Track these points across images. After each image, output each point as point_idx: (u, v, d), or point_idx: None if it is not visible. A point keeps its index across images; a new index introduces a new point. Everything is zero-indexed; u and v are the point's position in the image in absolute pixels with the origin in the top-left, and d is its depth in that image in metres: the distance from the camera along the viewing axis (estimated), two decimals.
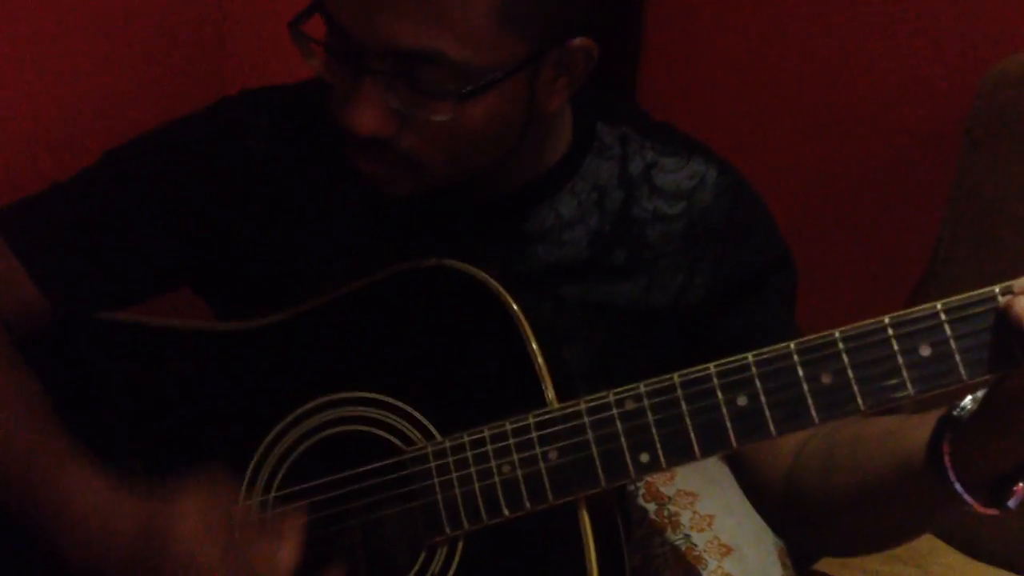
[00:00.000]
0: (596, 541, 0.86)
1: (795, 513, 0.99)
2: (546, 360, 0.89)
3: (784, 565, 1.40)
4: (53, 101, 1.25)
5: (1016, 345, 0.74)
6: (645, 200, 1.01)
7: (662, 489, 1.52)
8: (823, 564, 1.31)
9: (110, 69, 1.30)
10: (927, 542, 1.32)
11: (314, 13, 0.88)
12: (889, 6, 1.61)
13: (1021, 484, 0.79)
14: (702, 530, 1.48)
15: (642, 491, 1.52)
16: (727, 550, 1.46)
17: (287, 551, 0.88)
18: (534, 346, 0.89)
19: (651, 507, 1.51)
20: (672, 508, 1.50)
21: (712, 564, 1.44)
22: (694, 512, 1.49)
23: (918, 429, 0.83)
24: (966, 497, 0.79)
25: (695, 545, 1.46)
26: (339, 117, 0.89)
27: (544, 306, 0.98)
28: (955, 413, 0.80)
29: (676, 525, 1.48)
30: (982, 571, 1.29)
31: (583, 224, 1.00)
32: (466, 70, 0.85)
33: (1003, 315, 0.74)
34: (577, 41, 0.90)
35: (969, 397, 0.80)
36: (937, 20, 1.57)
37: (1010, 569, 1.29)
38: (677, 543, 1.46)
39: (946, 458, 0.79)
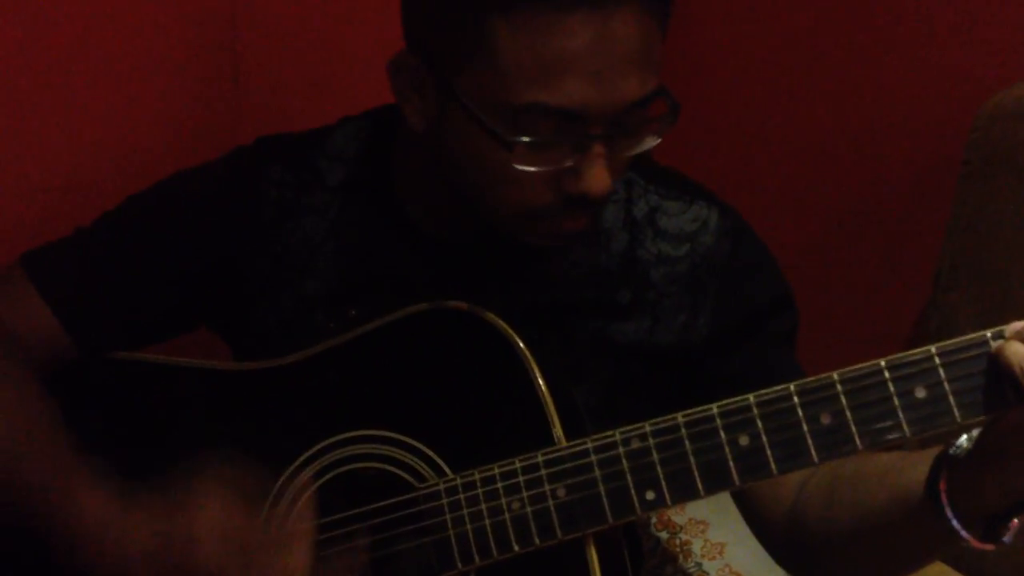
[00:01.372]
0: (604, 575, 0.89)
1: (798, 547, 1.02)
2: (554, 399, 0.91)
3: None
4: (72, 146, 1.28)
5: (1008, 388, 0.77)
6: (649, 243, 1.04)
7: (674, 518, 1.55)
8: None
9: (127, 114, 1.33)
10: (935, 567, 1.33)
11: (535, 114, 0.88)
12: (887, 40, 1.64)
13: (1015, 520, 0.81)
14: (713, 558, 1.50)
15: (654, 520, 1.55)
16: None
17: (299, 562, 0.89)
18: (542, 385, 0.91)
19: (663, 535, 1.53)
20: (684, 536, 1.53)
21: None
22: (705, 540, 1.52)
23: (917, 467, 0.85)
24: (963, 533, 0.81)
25: (707, 573, 1.48)
26: (563, 190, 0.91)
27: (552, 345, 1.01)
28: (952, 452, 0.82)
29: (688, 554, 1.51)
30: None
31: (589, 265, 1.03)
32: (662, 89, 0.91)
33: (995, 359, 0.77)
34: None
35: (965, 436, 0.82)
36: (934, 54, 1.60)
37: None
38: (690, 570, 1.48)
39: (943, 495, 0.82)
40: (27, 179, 1.24)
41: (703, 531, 1.51)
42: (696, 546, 1.50)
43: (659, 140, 0.92)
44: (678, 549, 1.50)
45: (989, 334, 0.79)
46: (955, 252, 1.37)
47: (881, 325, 1.59)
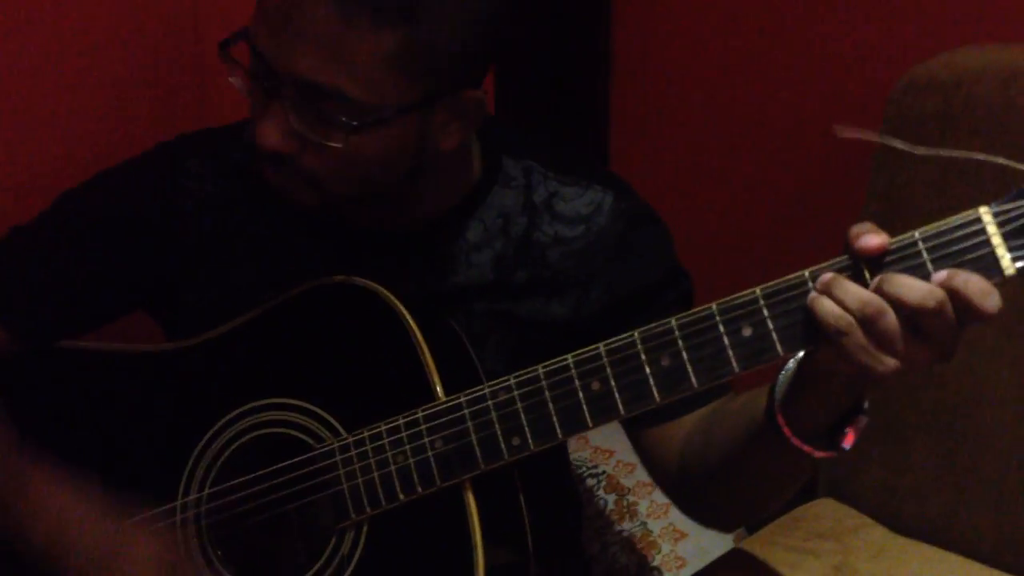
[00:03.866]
0: (482, 519, 0.97)
1: (687, 489, 1.10)
2: (436, 361, 0.99)
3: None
4: (29, 147, 1.34)
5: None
6: (546, 225, 1.11)
7: (623, 481, 1.61)
8: (748, 543, 1.38)
9: (88, 116, 1.38)
10: (852, 519, 1.40)
11: (240, 39, 0.98)
12: (810, 15, 1.70)
13: (849, 430, 0.89)
14: (658, 518, 1.56)
15: (603, 483, 1.61)
16: (681, 535, 1.55)
17: None
18: (424, 349, 0.99)
19: (611, 498, 1.59)
20: (631, 498, 1.59)
21: (665, 548, 1.52)
22: (651, 501, 1.58)
23: (760, 398, 0.93)
24: (804, 447, 0.90)
25: (651, 531, 1.54)
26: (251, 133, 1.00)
27: (455, 318, 1.08)
28: (780, 377, 0.90)
29: (634, 514, 1.57)
30: (901, 544, 1.36)
31: (489, 248, 1.10)
32: (360, 106, 0.95)
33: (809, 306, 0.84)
34: (469, 93, 1.00)
35: (791, 361, 0.90)
36: (854, 29, 1.66)
37: (930, 543, 1.35)
38: (633, 531, 1.55)
39: (779, 416, 0.90)
40: None
41: (649, 493, 1.57)
42: (642, 507, 1.56)
43: (338, 144, 0.96)
44: (625, 510, 1.56)
45: (807, 274, 0.85)
46: (871, 218, 1.42)
47: None
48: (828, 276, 0.83)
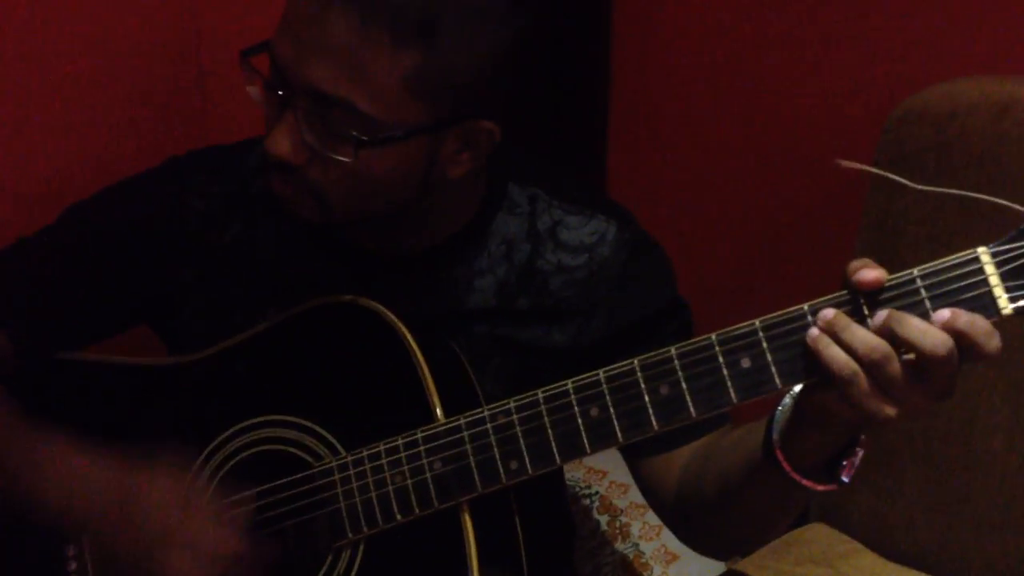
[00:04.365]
0: (478, 540, 0.97)
1: (684, 518, 1.11)
2: (437, 383, 1.00)
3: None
4: (32, 154, 1.35)
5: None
6: (549, 254, 1.12)
7: (615, 502, 1.62)
8: (740, 566, 1.40)
9: (89, 123, 1.39)
10: (844, 544, 1.41)
11: (261, 50, 1.00)
12: (803, 49, 1.72)
13: (846, 462, 0.90)
14: (651, 540, 1.57)
15: (596, 504, 1.62)
16: (672, 557, 1.55)
17: (232, 540, 1.00)
18: (425, 370, 1.00)
19: (604, 519, 1.60)
20: (624, 520, 1.60)
21: (657, 571, 1.53)
22: (644, 523, 1.58)
23: (757, 432, 0.94)
24: (802, 481, 0.90)
25: (643, 553, 1.55)
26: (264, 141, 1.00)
27: (456, 341, 1.09)
28: (778, 412, 0.91)
29: (627, 535, 1.58)
30: (892, 571, 1.37)
31: (492, 274, 1.11)
32: (371, 123, 0.96)
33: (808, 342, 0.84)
34: (482, 123, 1.01)
35: (788, 396, 0.91)
36: (850, 61, 1.68)
37: (920, 569, 1.36)
38: (626, 552, 1.55)
39: (777, 451, 0.91)
40: None
41: (642, 514, 1.58)
42: (635, 528, 1.57)
43: (346, 158, 0.97)
44: (617, 531, 1.57)
45: (806, 307, 0.86)
46: (865, 248, 1.44)
47: None
48: (831, 314, 0.84)
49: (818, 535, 1.45)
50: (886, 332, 0.81)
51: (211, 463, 1.07)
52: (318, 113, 0.96)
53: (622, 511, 1.61)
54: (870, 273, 0.83)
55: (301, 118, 0.97)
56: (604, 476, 1.64)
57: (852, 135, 1.66)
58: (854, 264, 0.84)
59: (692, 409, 0.89)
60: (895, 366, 0.81)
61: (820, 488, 0.91)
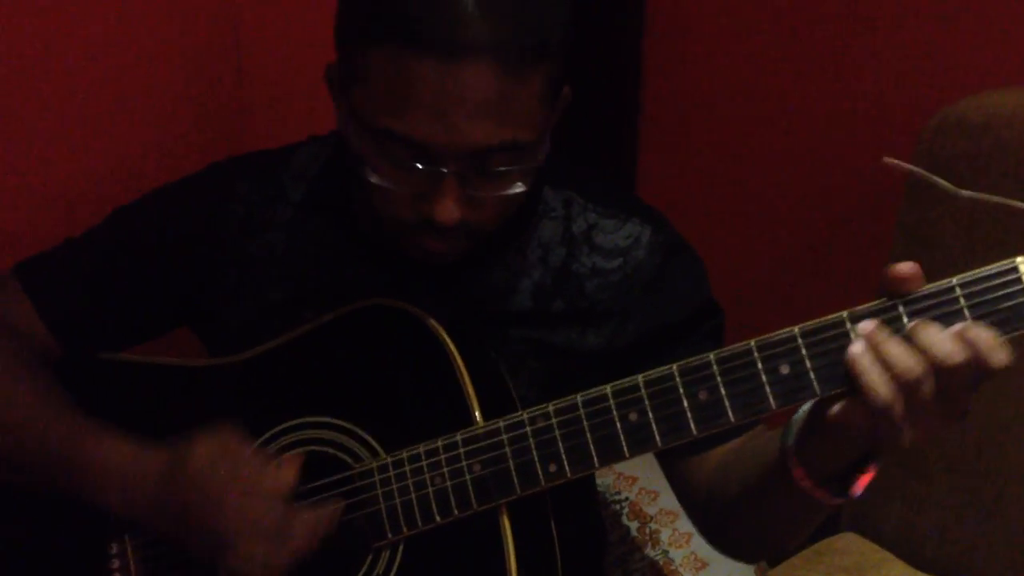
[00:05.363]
0: (517, 543, 0.99)
1: (710, 520, 1.12)
2: (475, 385, 1.02)
3: None
4: (73, 157, 1.38)
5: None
6: (584, 257, 1.13)
7: (645, 508, 1.63)
8: (771, 575, 1.40)
9: (129, 126, 1.43)
10: (875, 554, 1.41)
11: (385, 138, 0.96)
12: (840, 59, 1.72)
13: (860, 476, 0.91)
14: (680, 547, 1.58)
15: (626, 510, 1.63)
16: (702, 564, 1.56)
17: (287, 474, 1.01)
18: (464, 374, 1.02)
19: (634, 525, 1.61)
20: (653, 526, 1.60)
21: None
22: (674, 530, 1.59)
23: (775, 440, 0.95)
24: (815, 492, 0.91)
25: (672, 560, 1.56)
26: (420, 213, 0.99)
27: (491, 343, 1.11)
28: (792, 421, 0.93)
29: (656, 542, 1.58)
30: None
31: (528, 278, 1.13)
32: (530, 147, 0.99)
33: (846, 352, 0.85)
34: (566, 90, 1.05)
35: (801, 408, 0.92)
36: (885, 72, 1.68)
37: None
38: (655, 559, 1.56)
39: (791, 460, 0.92)
40: (27, 189, 1.35)
41: (672, 521, 1.59)
42: (664, 535, 1.57)
43: (523, 188, 0.99)
44: (647, 538, 1.58)
45: (846, 315, 0.87)
46: (901, 256, 1.44)
47: None
48: (871, 327, 0.85)
49: (849, 544, 1.45)
50: (916, 343, 0.82)
51: None
52: (477, 166, 0.97)
53: (652, 517, 1.62)
54: (906, 268, 0.84)
55: (463, 179, 0.97)
56: (634, 482, 1.65)
57: (886, 146, 1.65)
58: (892, 267, 0.85)
59: (731, 415, 0.90)
60: (928, 387, 0.82)
61: (832, 500, 0.93)
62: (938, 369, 0.82)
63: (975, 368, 0.82)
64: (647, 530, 1.60)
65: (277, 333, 1.12)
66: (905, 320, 0.85)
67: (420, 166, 0.96)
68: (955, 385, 0.82)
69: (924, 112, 1.47)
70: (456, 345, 1.03)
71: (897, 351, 0.82)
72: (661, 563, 1.56)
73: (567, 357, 1.13)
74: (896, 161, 0.90)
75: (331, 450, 1.05)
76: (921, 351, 0.82)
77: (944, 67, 1.62)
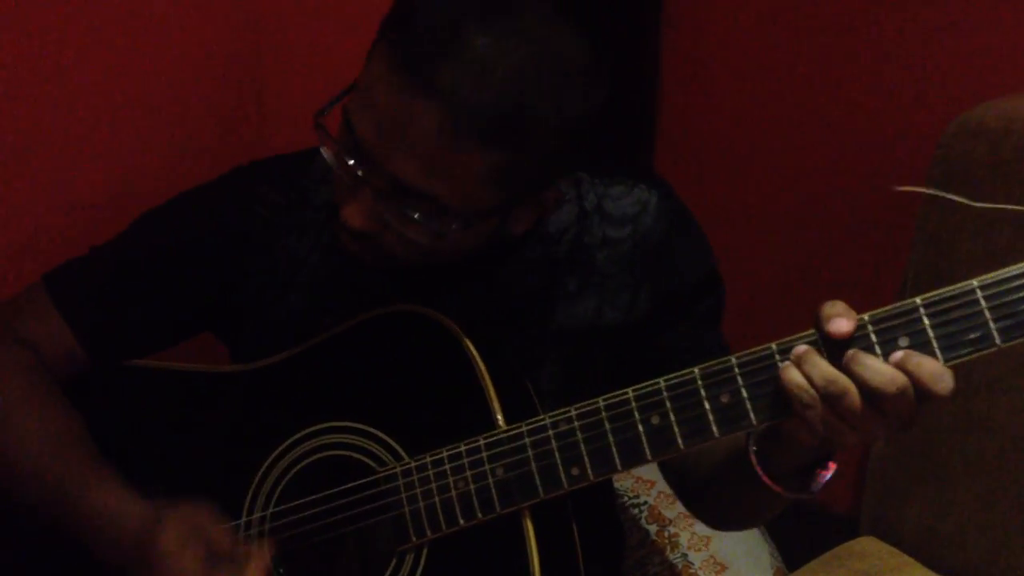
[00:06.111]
0: (540, 546, 0.99)
1: (685, 491, 1.19)
2: (497, 389, 1.02)
3: None
4: (97, 168, 1.39)
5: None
6: (595, 227, 1.14)
7: (664, 512, 1.63)
8: None
9: (152, 137, 1.44)
10: (894, 558, 1.41)
11: (333, 106, 1.01)
12: (858, 63, 1.73)
13: (819, 473, 0.96)
14: (699, 550, 1.58)
15: (645, 514, 1.63)
16: (721, 568, 1.56)
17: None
18: (486, 376, 1.03)
19: (652, 528, 1.61)
20: (672, 529, 1.60)
21: None
22: (693, 533, 1.59)
23: (742, 437, 0.99)
24: (773, 486, 0.96)
25: (691, 563, 1.56)
26: (338, 206, 1.02)
27: (507, 338, 1.12)
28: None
29: (675, 545, 1.59)
30: None
31: (540, 258, 1.13)
32: (452, 211, 0.98)
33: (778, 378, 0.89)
34: (552, 190, 1.05)
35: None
36: (905, 76, 1.69)
37: None
38: (675, 562, 1.56)
39: (752, 457, 0.97)
40: (52, 195, 1.36)
41: (691, 525, 1.59)
42: (683, 538, 1.58)
43: (428, 240, 0.99)
44: (666, 541, 1.58)
45: (775, 347, 0.90)
46: (919, 262, 1.45)
47: None
48: (802, 350, 0.88)
49: (868, 549, 1.45)
50: (848, 370, 0.86)
51: (276, 469, 1.09)
52: (396, 197, 0.98)
53: (671, 521, 1.62)
54: (842, 323, 0.87)
55: (379, 196, 0.98)
56: (652, 486, 1.65)
57: (906, 151, 1.67)
58: (826, 310, 0.88)
59: (753, 417, 0.91)
60: (852, 398, 0.86)
61: (789, 495, 0.97)
62: (872, 395, 0.85)
63: (917, 394, 0.85)
64: (666, 533, 1.60)
65: (300, 338, 1.14)
66: (926, 322, 0.85)
67: (349, 161, 0.98)
68: (892, 408, 0.86)
69: (943, 117, 1.48)
70: (477, 349, 1.04)
71: (819, 366, 0.87)
72: (680, 566, 1.56)
73: (587, 339, 1.13)
74: (908, 188, 0.93)
75: (355, 454, 1.06)
76: (857, 381, 0.85)
77: (964, 71, 1.63)
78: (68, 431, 1.13)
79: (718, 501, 1.12)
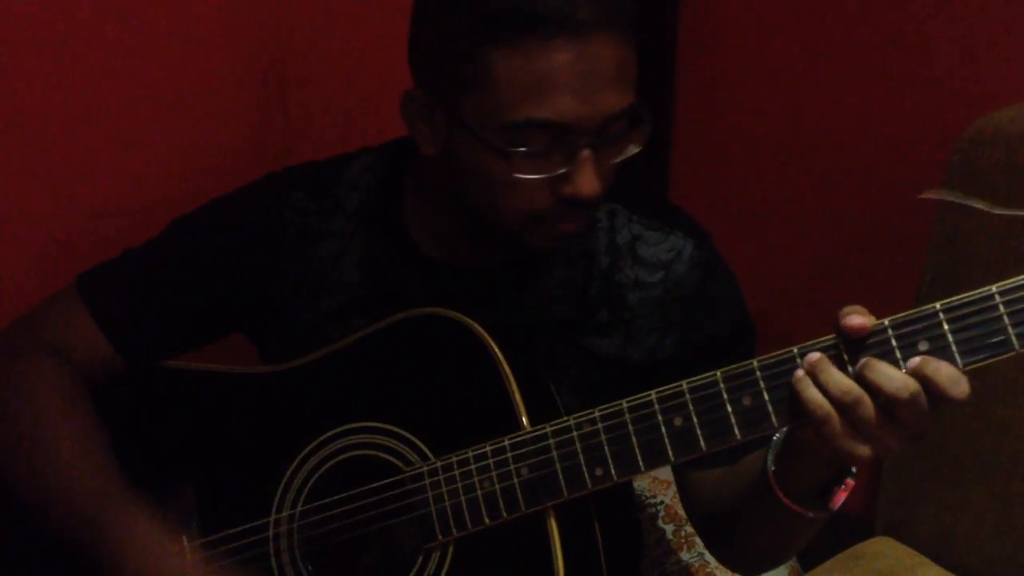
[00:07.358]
0: (564, 545, 1.01)
1: (711, 530, 1.20)
2: (521, 391, 1.05)
3: None
4: (128, 174, 1.42)
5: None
6: (628, 268, 1.16)
7: (681, 512, 1.64)
8: None
9: (181, 143, 1.46)
10: (910, 558, 1.43)
11: (530, 127, 0.99)
12: (874, 69, 1.74)
13: (837, 490, 0.97)
14: None
15: (662, 513, 1.65)
16: None
17: None
18: (511, 379, 1.05)
19: (669, 528, 1.63)
20: (689, 529, 1.62)
21: None
22: None
23: (760, 460, 1.01)
24: (793, 507, 0.97)
25: (708, 562, 1.57)
26: (558, 196, 1.03)
27: (538, 350, 1.14)
28: (774, 439, 0.98)
29: (692, 545, 1.60)
30: None
31: (573, 286, 1.16)
32: (637, 108, 1.04)
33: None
34: None
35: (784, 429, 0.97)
36: (921, 81, 1.71)
37: None
38: (691, 561, 1.58)
39: (771, 478, 0.98)
40: (86, 205, 1.39)
41: None
42: (700, 538, 1.59)
43: (640, 148, 1.05)
44: (683, 541, 1.60)
45: (796, 350, 0.92)
46: (935, 267, 1.46)
47: None
48: (815, 357, 0.90)
49: (884, 549, 1.47)
50: (862, 377, 0.88)
51: (304, 468, 1.11)
52: (606, 135, 1.02)
53: (687, 520, 1.64)
54: (856, 319, 0.89)
55: (597, 150, 1.02)
56: (669, 486, 1.67)
57: (922, 156, 1.68)
58: (845, 310, 0.90)
59: (774, 419, 0.93)
60: (866, 409, 0.88)
61: (810, 515, 0.98)
62: (887, 400, 0.87)
63: (932, 400, 0.87)
64: (683, 533, 1.62)
65: (330, 341, 1.16)
66: (945, 327, 0.87)
67: (558, 148, 1.00)
68: (905, 415, 0.87)
69: (960, 122, 1.49)
70: (503, 353, 1.05)
71: (834, 376, 0.88)
72: (697, 566, 1.58)
73: (609, 366, 1.16)
74: (931, 195, 0.94)
75: (382, 454, 1.08)
76: (871, 389, 0.87)
77: (981, 76, 1.64)
78: (95, 441, 1.14)
79: (742, 535, 1.11)
